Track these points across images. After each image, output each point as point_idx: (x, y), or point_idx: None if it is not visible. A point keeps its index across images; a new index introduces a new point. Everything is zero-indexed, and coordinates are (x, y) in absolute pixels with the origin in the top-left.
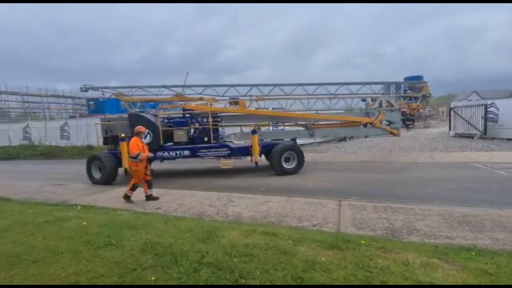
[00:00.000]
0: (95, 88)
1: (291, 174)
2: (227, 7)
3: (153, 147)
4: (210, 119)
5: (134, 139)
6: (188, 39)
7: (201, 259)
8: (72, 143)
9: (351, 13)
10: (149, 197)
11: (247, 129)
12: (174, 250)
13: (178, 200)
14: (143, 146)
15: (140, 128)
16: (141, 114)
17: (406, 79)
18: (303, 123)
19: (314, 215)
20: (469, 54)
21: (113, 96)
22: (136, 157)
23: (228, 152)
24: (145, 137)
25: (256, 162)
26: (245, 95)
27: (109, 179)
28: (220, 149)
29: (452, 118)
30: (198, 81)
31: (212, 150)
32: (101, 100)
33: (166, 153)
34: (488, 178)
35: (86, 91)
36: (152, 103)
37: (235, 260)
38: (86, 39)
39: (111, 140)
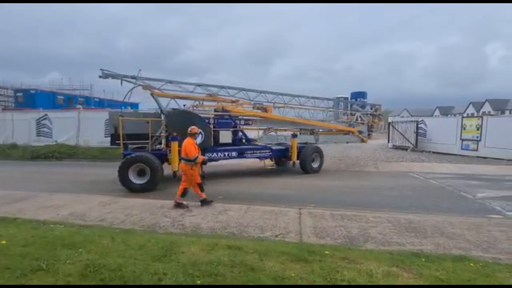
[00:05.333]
0: (116, 76)
1: (316, 172)
2: (187, 8)
3: (203, 147)
4: (256, 121)
5: (189, 140)
6: (144, 35)
7: (158, 282)
8: None
9: (307, 29)
10: (204, 202)
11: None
12: (124, 273)
13: (126, 210)
14: (198, 148)
15: (194, 128)
16: (194, 112)
17: (353, 93)
18: (310, 129)
19: (276, 225)
20: (403, 77)
21: (140, 88)
22: (194, 160)
23: (270, 153)
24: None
25: (293, 163)
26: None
27: (155, 186)
28: (264, 151)
29: (390, 132)
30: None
31: (257, 151)
32: (32, 92)
33: (214, 154)
34: (423, 186)
35: (105, 77)
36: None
37: (198, 281)
38: (21, 22)
39: (126, 139)
